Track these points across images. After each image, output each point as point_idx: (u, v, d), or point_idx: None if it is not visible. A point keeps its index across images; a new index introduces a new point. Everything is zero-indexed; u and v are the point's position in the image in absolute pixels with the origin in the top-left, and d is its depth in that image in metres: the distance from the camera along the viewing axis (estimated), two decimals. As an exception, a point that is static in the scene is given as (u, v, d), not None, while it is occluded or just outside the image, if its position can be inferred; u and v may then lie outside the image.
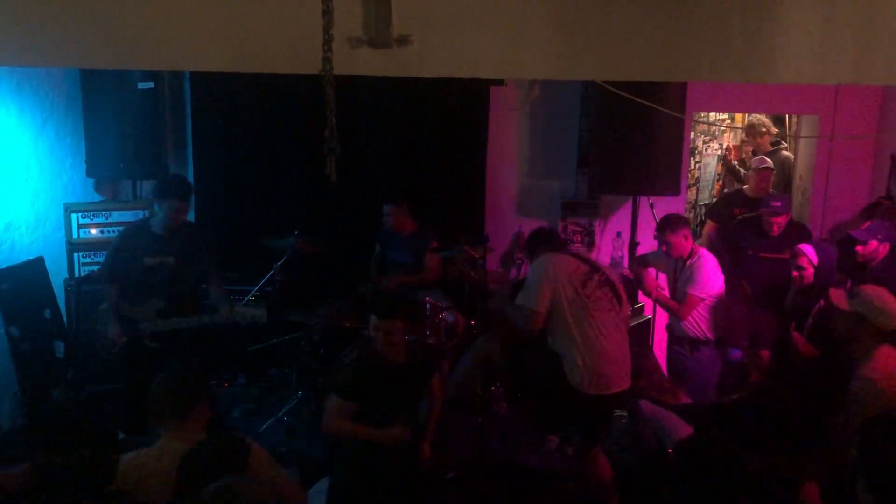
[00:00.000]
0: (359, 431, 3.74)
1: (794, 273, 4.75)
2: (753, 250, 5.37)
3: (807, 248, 4.75)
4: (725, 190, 7.50)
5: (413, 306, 4.73)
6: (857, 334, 3.66)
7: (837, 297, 3.77)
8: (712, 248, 5.43)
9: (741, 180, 7.04)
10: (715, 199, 7.21)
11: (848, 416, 3.51)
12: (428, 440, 4.11)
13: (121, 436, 4.85)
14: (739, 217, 5.78)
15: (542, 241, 4.24)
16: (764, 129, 6.99)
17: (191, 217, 6.06)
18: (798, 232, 5.34)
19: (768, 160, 6.09)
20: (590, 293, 3.91)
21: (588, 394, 3.86)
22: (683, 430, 3.94)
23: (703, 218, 7.10)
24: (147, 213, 5.48)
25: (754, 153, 6.99)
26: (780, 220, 5.24)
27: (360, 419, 3.78)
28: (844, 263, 4.84)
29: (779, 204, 5.29)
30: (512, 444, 4.97)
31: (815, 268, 4.68)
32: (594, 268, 4.05)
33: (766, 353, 4.90)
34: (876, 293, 3.71)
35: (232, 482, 2.34)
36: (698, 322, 4.96)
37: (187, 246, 4.67)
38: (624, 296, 4.13)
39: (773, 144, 7.04)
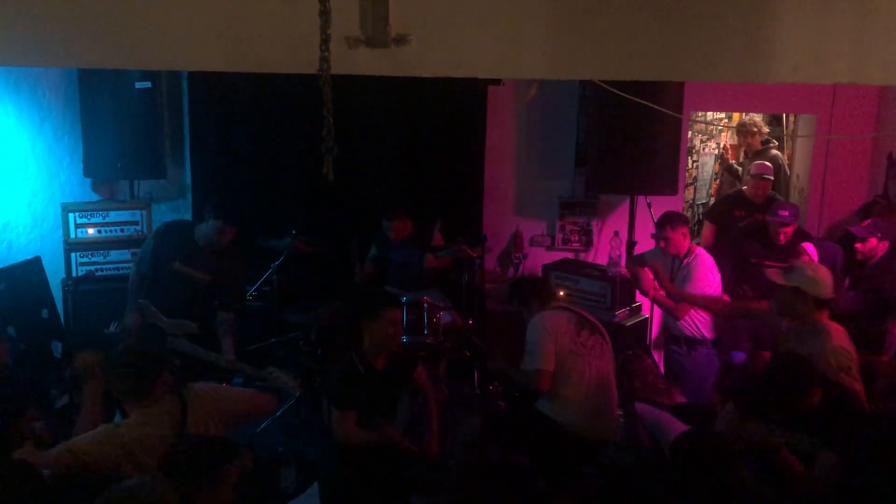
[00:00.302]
0: (365, 439, 3.86)
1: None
2: (758, 259, 5.17)
3: (808, 247, 4.76)
4: (723, 189, 7.51)
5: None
6: (798, 307, 3.75)
7: (773, 274, 3.85)
8: (709, 251, 5.42)
9: (740, 179, 7.05)
10: (713, 200, 7.17)
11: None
12: (434, 434, 4.16)
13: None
14: (743, 224, 5.68)
15: (533, 294, 4.24)
16: (755, 130, 6.97)
17: (188, 217, 6.09)
18: (803, 240, 5.23)
19: (768, 169, 5.91)
20: (584, 341, 3.99)
21: (578, 434, 3.94)
22: (679, 429, 3.96)
23: (700, 218, 7.10)
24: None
25: (745, 153, 7.00)
26: (788, 230, 5.09)
27: (365, 425, 3.87)
28: (843, 261, 4.85)
29: (787, 213, 5.12)
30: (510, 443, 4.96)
31: None
32: (582, 316, 4.13)
33: (767, 355, 4.89)
34: (809, 266, 3.83)
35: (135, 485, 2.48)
36: (695, 321, 4.97)
37: (222, 266, 4.62)
38: (607, 337, 4.25)
39: (763, 143, 7.01)
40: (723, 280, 5.10)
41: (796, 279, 3.75)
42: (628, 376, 4.59)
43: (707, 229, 6.16)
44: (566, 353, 3.95)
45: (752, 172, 5.98)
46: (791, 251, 4.96)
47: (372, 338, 3.90)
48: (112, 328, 4.78)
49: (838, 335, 3.66)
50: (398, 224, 5.58)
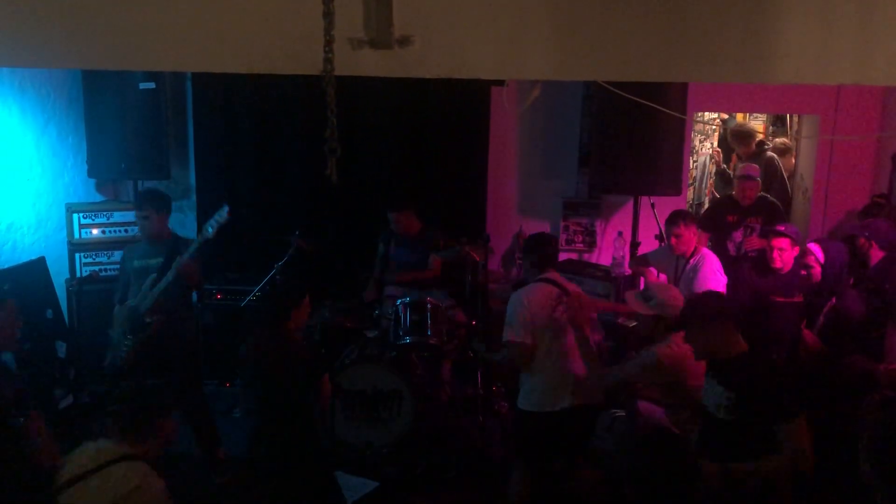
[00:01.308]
0: None
1: (802, 272, 4.73)
2: (763, 290, 4.92)
3: (813, 247, 4.72)
4: (714, 192, 7.46)
5: None
6: (656, 331, 3.83)
7: (636, 304, 3.88)
8: None
9: (731, 183, 7.00)
10: (705, 209, 6.91)
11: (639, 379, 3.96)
12: None
13: None
14: (739, 251, 5.52)
15: (537, 250, 4.19)
16: (749, 136, 6.92)
17: (192, 217, 6.12)
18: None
19: (754, 169, 5.82)
20: (559, 316, 3.95)
21: (554, 411, 3.92)
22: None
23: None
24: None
25: (740, 158, 6.97)
26: (787, 257, 4.84)
27: None
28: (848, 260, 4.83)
29: (787, 241, 4.83)
30: (512, 443, 4.97)
31: (822, 266, 4.67)
32: (563, 290, 4.07)
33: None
34: (667, 294, 3.86)
35: None
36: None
37: (176, 251, 4.75)
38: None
39: (758, 146, 7.00)
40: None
41: (659, 308, 3.80)
42: None
43: (701, 238, 5.80)
44: (542, 329, 3.94)
45: (737, 174, 5.94)
46: (795, 281, 4.82)
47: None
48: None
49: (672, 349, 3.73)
50: (403, 216, 5.56)
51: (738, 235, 5.65)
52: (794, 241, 4.82)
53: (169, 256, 4.74)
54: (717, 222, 5.79)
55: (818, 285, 4.69)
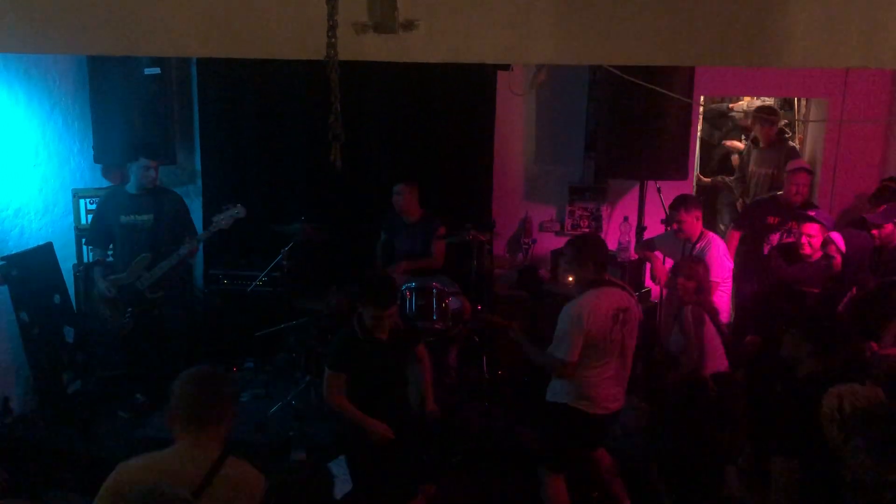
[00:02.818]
0: (351, 414, 4.00)
1: (823, 262, 4.70)
2: (791, 279, 4.84)
3: (834, 236, 4.69)
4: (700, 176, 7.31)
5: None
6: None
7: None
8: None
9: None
10: (743, 206, 6.53)
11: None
12: (430, 400, 4.31)
13: (124, 415, 4.96)
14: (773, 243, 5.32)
15: (591, 257, 3.92)
16: (774, 116, 6.48)
17: (199, 203, 6.12)
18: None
19: (804, 161, 5.48)
20: (615, 337, 3.83)
21: (592, 414, 3.86)
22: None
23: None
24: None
25: (755, 142, 6.61)
26: (816, 244, 4.75)
27: (353, 390, 4.04)
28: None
29: (817, 228, 4.72)
30: (518, 427, 4.99)
31: (843, 255, 4.64)
32: (625, 303, 3.91)
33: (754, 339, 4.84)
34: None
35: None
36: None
37: (163, 205, 5.08)
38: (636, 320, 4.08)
39: (778, 134, 6.59)
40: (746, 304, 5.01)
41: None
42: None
43: (732, 238, 5.66)
44: (592, 344, 3.80)
45: (788, 169, 5.54)
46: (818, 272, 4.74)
47: (366, 316, 4.02)
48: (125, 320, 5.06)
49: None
50: (407, 189, 5.60)
51: (775, 238, 5.37)
52: (825, 228, 4.75)
53: (158, 212, 5.03)
54: (755, 223, 5.56)
55: (839, 275, 4.65)
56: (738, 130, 7.68)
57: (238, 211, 5.07)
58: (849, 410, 2.77)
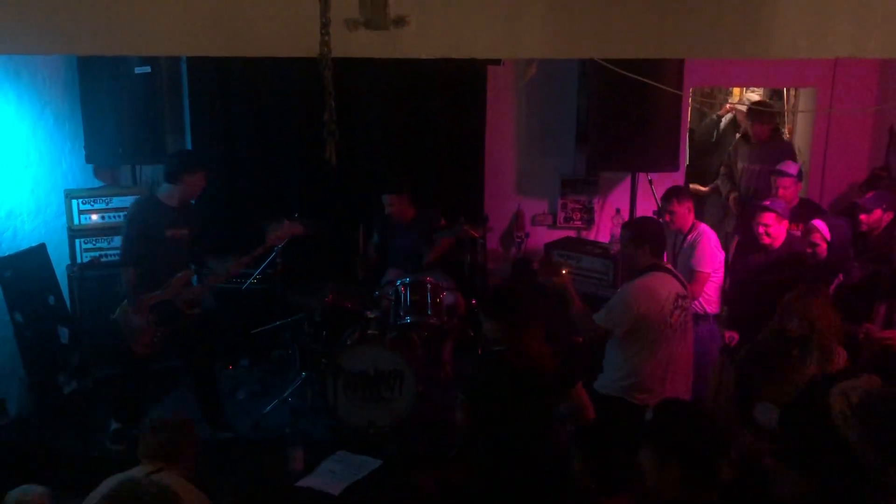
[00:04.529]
0: None
1: (808, 250, 4.71)
2: (751, 269, 4.89)
3: (819, 224, 4.71)
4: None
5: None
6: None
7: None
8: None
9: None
10: (740, 208, 6.18)
11: None
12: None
13: (114, 426, 4.90)
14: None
15: (649, 240, 3.95)
16: (770, 115, 6.17)
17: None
18: (813, 217, 4.86)
19: (791, 167, 5.27)
20: (675, 321, 3.84)
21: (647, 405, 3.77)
22: None
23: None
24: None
25: (745, 138, 6.35)
26: (775, 233, 4.76)
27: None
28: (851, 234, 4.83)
29: (772, 217, 4.73)
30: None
31: (829, 243, 4.68)
32: (679, 295, 3.91)
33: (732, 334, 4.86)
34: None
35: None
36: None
37: (194, 220, 4.81)
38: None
39: (773, 131, 6.21)
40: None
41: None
42: None
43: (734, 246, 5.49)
44: (648, 328, 3.78)
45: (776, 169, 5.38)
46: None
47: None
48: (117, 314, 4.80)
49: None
50: (396, 199, 5.56)
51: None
52: (781, 216, 4.77)
53: (192, 226, 4.73)
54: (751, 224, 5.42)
55: (824, 262, 4.68)
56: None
57: (294, 227, 4.81)
58: (857, 404, 2.71)
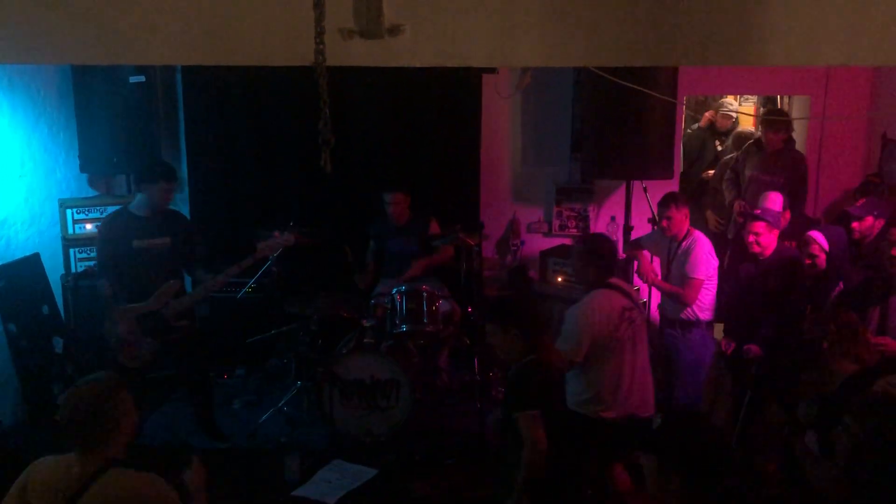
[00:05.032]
0: None
1: (807, 261, 4.69)
2: (743, 278, 4.84)
3: (817, 235, 4.69)
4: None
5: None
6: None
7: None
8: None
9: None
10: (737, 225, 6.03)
11: None
12: None
13: None
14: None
15: (599, 258, 4.01)
16: (778, 124, 5.89)
17: (185, 210, 6.10)
18: (808, 229, 4.87)
19: (774, 201, 4.98)
20: (622, 335, 3.88)
21: (606, 418, 3.87)
22: None
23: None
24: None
25: (758, 146, 6.09)
26: (765, 242, 4.67)
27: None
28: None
29: (762, 226, 4.66)
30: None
31: (827, 253, 4.68)
32: (631, 304, 3.98)
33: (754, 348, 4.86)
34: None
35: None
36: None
37: (178, 227, 4.75)
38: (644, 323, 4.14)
39: (785, 143, 5.84)
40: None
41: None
42: None
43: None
44: (602, 344, 3.85)
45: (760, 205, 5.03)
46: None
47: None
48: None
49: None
50: (399, 198, 5.58)
51: None
52: (772, 225, 4.71)
53: (175, 235, 4.67)
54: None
55: (824, 273, 4.67)
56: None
57: (287, 238, 4.76)
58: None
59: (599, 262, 4.01)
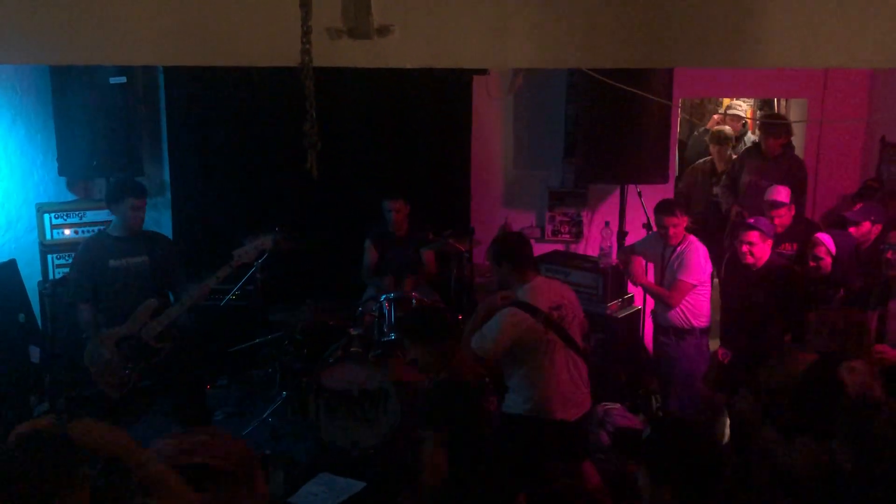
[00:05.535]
0: None
1: (811, 263, 4.66)
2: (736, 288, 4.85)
3: (825, 238, 4.66)
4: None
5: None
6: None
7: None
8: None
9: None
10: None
11: None
12: None
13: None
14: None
15: (507, 256, 3.98)
16: (777, 129, 5.89)
17: (167, 215, 6.01)
18: (813, 231, 4.88)
19: (780, 193, 5.08)
20: (550, 337, 3.85)
21: (560, 419, 3.87)
22: None
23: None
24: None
25: (756, 150, 6.10)
26: (759, 252, 4.66)
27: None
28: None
29: (756, 235, 4.63)
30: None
31: (833, 257, 4.61)
32: (559, 300, 3.96)
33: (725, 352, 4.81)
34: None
35: None
36: (684, 311, 4.91)
37: (156, 247, 4.67)
38: (584, 323, 4.16)
39: (784, 147, 5.82)
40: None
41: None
42: None
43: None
44: (527, 346, 3.84)
45: (766, 198, 5.19)
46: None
47: None
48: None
49: None
50: (399, 204, 5.49)
51: None
52: (765, 235, 4.65)
53: (153, 254, 4.59)
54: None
55: (828, 277, 4.62)
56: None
57: (264, 242, 4.66)
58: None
59: (511, 260, 3.95)
